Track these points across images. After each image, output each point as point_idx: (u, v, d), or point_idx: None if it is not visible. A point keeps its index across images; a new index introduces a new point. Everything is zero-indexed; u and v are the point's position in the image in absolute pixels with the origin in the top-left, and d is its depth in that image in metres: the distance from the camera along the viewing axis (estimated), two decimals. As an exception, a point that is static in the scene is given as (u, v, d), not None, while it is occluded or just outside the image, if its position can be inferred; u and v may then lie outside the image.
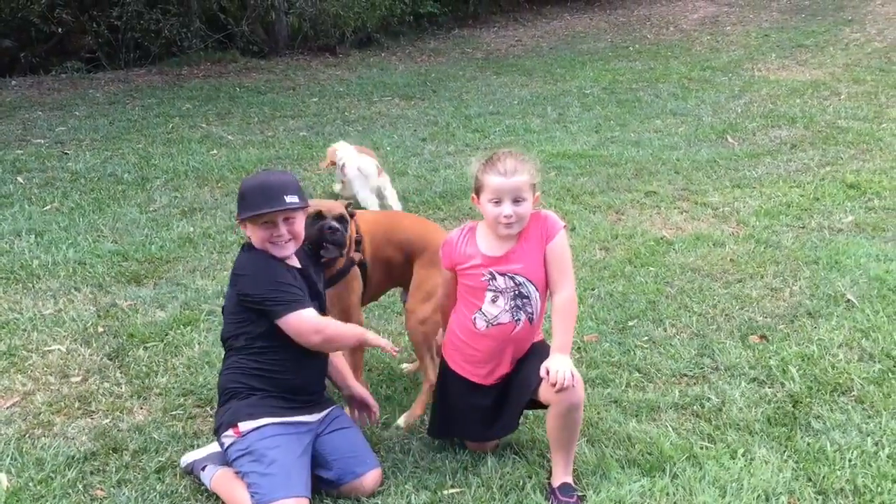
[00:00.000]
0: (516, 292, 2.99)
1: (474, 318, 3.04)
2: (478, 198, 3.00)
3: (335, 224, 3.24)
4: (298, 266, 3.07)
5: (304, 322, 2.91)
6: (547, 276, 3.00)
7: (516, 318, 3.00)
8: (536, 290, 3.00)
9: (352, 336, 3.07)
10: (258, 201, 2.93)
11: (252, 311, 2.94)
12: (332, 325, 3.02)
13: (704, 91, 10.14)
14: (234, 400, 2.99)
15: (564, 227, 3.04)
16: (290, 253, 3.00)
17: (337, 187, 6.32)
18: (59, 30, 13.03)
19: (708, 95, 9.88)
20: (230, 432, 2.95)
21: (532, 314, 3.01)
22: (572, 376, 2.85)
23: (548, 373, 2.86)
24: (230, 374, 3.03)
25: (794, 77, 10.69)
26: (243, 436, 2.92)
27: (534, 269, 2.98)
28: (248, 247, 3.04)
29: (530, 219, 3.00)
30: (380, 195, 5.96)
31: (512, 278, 2.98)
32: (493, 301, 3.00)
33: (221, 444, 3.01)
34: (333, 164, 6.15)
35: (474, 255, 3.01)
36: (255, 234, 2.98)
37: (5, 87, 11.33)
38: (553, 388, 2.85)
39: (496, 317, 3.00)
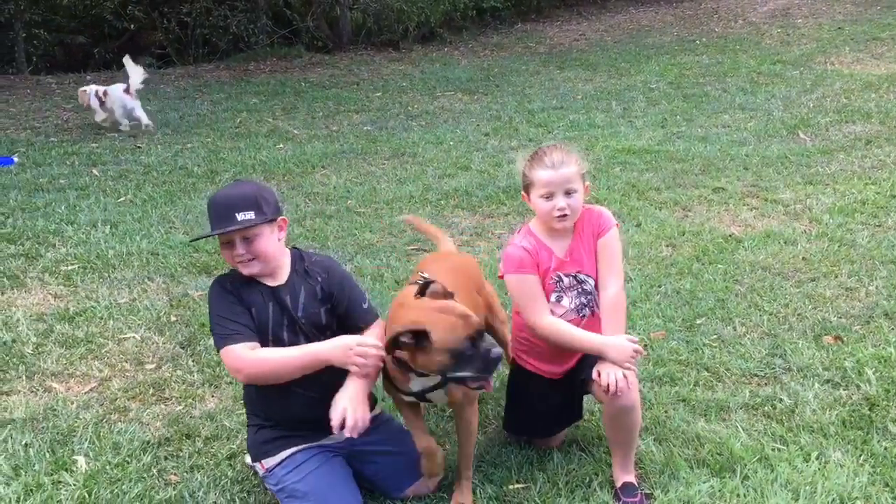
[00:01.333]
0: (580, 290, 2.98)
1: None
2: (528, 195, 2.98)
3: (499, 351, 2.66)
4: (274, 284, 2.82)
5: (229, 359, 2.70)
6: (598, 269, 2.99)
7: (581, 313, 3.00)
8: (595, 284, 3.00)
9: (293, 362, 2.69)
10: (210, 221, 2.77)
11: None
12: (252, 365, 2.68)
13: (774, 85, 9.90)
14: (250, 428, 2.96)
15: (617, 225, 3.03)
16: (257, 272, 2.77)
17: (99, 118, 8.69)
18: (131, 26, 13.42)
19: (778, 90, 9.64)
20: (258, 466, 2.93)
21: (594, 307, 3.00)
22: (625, 378, 2.78)
23: (598, 375, 2.81)
24: (244, 397, 3.01)
25: (869, 71, 10.36)
26: (270, 471, 2.87)
27: (591, 264, 2.99)
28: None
29: (583, 214, 2.99)
30: (130, 116, 8.50)
31: (575, 276, 2.98)
32: (559, 301, 2.99)
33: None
34: (89, 106, 8.59)
35: (549, 259, 2.98)
36: (223, 254, 2.85)
37: (81, 82, 11.65)
38: (604, 393, 2.82)
39: (562, 315, 2.99)
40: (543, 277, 2.97)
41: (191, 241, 2.83)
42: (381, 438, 2.94)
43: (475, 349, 2.61)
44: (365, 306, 2.92)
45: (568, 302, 2.98)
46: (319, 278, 2.87)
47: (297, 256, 2.93)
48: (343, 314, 2.88)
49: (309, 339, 2.78)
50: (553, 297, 2.99)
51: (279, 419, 2.86)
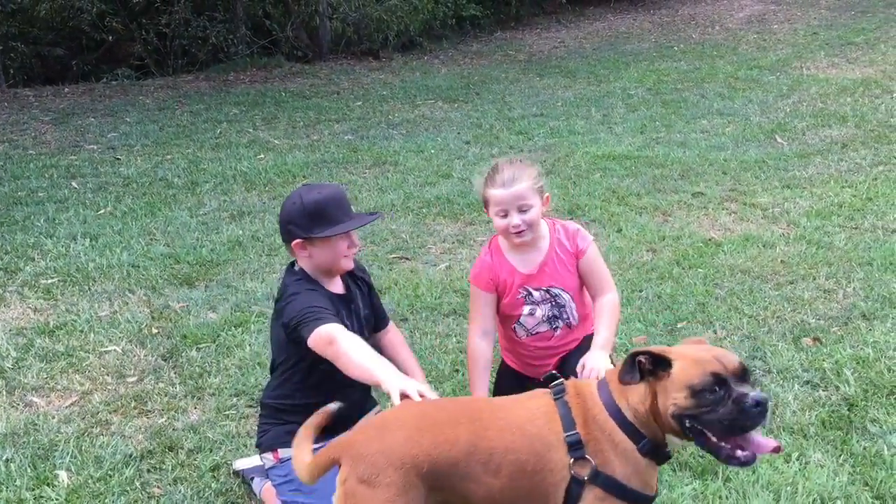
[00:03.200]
0: (552, 303, 3.03)
1: (514, 329, 3.10)
2: (488, 212, 3.03)
3: (763, 396, 2.13)
4: (341, 292, 2.99)
5: (321, 334, 2.65)
6: (585, 286, 3.06)
7: (554, 326, 3.06)
8: (571, 297, 3.04)
9: (363, 370, 2.56)
10: (339, 216, 2.83)
11: (292, 341, 2.82)
12: (346, 343, 2.61)
13: (752, 90, 10.00)
14: (272, 422, 2.94)
15: (593, 240, 3.09)
16: (352, 266, 2.97)
17: None
18: (109, 38, 13.34)
19: (755, 95, 9.74)
20: (270, 456, 2.93)
21: (569, 320, 3.05)
22: None
23: (583, 368, 2.84)
24: (274, 392, 2.98)
25: (845, 75, 10.49)
26: (282, 462, 2.86)
27: (566, 278, 3.02)
28: (296, 272, 2.94)
29: (559, 229, 3.04)
30: None
31: (547, 290, 3.02)
32: (531, 314, 3.05)
33: (263, 464, 2.99)
34: None
35: (511, 275, 3.03)
36: (323, 252, 2.85)
37: (59, 94, 11.62)
38: None
39: (534, 327, 3.06)
40: (508, 292, 3.03)
41: (321, 237, 2.84)
42: None
43: (725, 392, 2.12)
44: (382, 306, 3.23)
45: (541, 314, 3.03)
46: (364, 278, 3.13)
47: None
48: (373, 317, 3.12)
49: (364, 334, 2.95)
50: (526, 310, 3.04)
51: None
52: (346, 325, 2.78)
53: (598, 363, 2.80)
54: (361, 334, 2.84)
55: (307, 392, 2.87)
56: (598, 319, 2.99)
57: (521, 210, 2.91)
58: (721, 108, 9.23)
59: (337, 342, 2.62)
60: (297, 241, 2.86)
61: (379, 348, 2.91)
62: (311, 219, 2.82)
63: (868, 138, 7.60)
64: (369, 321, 3.08)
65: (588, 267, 3.02)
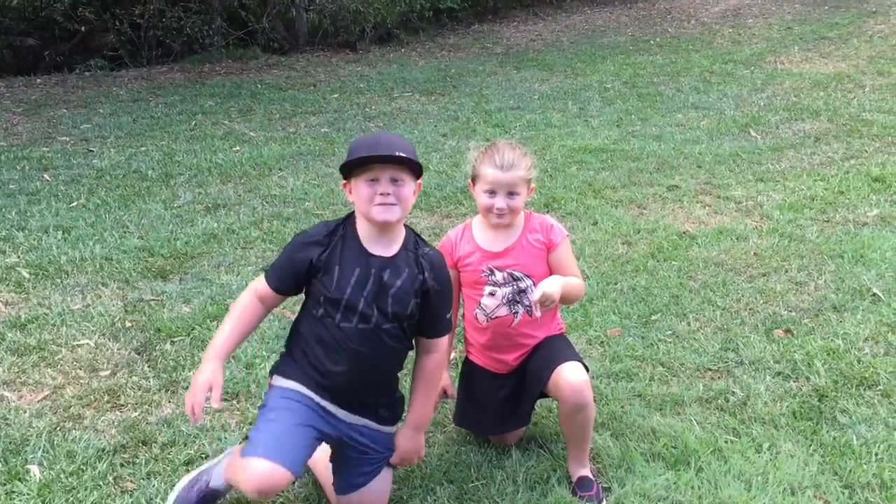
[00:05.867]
0: (514, 287, 3.03)
1: (475, 314, 3.10)
2: (473, 185, 3.04)
3: None
4: (383, 254, 2.70)
5: (251, 285, 2.77)
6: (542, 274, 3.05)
7: (514, 310, 3.05)
8: (533, 283, 3.03)
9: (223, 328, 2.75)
10: (364, 152, 2.62)
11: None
12: (240, 302, 2.75)
13: (726, 84, 10.08)
14: (285, 353, 2.86)
15: (568, 236, 3.11)
16: (395, 218, 2.62)
17: None
18: (82, 28, 13.15)
19: (730, 89, 9.82)
20: (270, 380, 2.85)
21: (529, 307, 3.04)
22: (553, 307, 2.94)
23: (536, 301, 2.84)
24: (295, 325, 2.86)
25: (818, 70, 10.60)
26: (272, 388, 2.80)
27: (532, 265, 3.03)
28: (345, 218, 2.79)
29: (537, 223, 3.07)
30: None
31: (511, 273, 3.03)
32: (491, 294, 3.04)
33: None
34: None
35: (473, 252, 3.06)
36: (358, 195, 2.64)
37: (31, 85, 11.46)
38: (567, 386, 2.88)
39: (494, 310, 3.05)
40: (469, 266, 3.04)
41: (345, 165, 2.63)
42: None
43: None
44: (447, 316, 2.84)
45: (501, 295, 3.04)
46: (426, 272, 2.73)
47: (412, 239, 2.79)
48: (424, 316, 2.77)
49: (385, 318, 2.68)
50: (486, 290, 3.05)
51: (322, 372, 2.72)
52: (351, 286, 2.64)
53: (550, 288, 2.82)
54: (374, 299, 2.65)
55: (305, 330, 2.80)
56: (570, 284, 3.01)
57: (509, 194, 2.94)
58: (696, 101, 9.29)
59: (240, 298, 2.75)
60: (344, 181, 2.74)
61: (419, 367, 2.84)
62: (347, 157, 2.67)
63: (840, 132, 7.69)
64: (404, 307, 2.70)
65: (558, 260, 3.05)
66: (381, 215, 2.61)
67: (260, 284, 2.76)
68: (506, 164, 2.93)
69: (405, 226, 2.79)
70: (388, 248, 2.70)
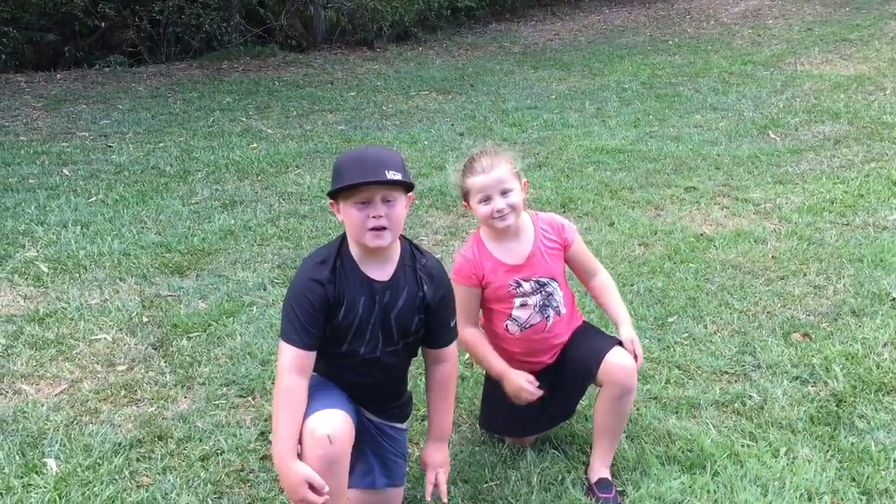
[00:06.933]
0: (543, 293, 3.04)
1: (506, 325, 3.07)
2: (468, 203, 3.02)
3: None
4: (382, 279, 2.63)
5: (282, 356, 2.54)
6: (575, 272, 3.20)
7: (546, 315, 3.05)
8: (558, 285, 3.07)
9: (278, 422, 2.49)
10: (354, 174, 2.48)
11: None
12: (282, 388, 2.50)
13: (745, 86, 10.01)
14: None
15: (576, 230, 3.18)
16: (387, 243, 2.54)
17: None
18: (102, 24, 13.26)
19: (749, 90, 9.75)
20: None
21: (558, 307, 3.06)
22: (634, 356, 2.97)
23: (632, 343, 2.98)
24: None
25: (838, 72, 10.51)
26: None
27: (553, 267, 3.06)
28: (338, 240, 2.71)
29: (547, 224, 3.07)
30: None
31: (537, 281, 3.03)
32: (523, 305, 3.03)
33: None
34: None
35: (496, 269, 3.02)
36: (349, 220, 2.53)
37: (51, 80, 11.55)
38: (620, 370, 2.92)
39: (527, 320, 3.04)
40: (495, 284, 3.02)
41: (333, 191, 2.52)
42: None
43: None
44: (452, 325, 2.78)
45: (532, 304, 3.03)
46: (425, 286, 2.67)
47: (409, 252, 2.70)
48: (430, 328, 2.72)
49: (392, 340, 2.67)
50: (517, 302, 3.03)
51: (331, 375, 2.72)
52: (359, 316, 2.60)
53: (634, 336, 3.01)
54: (381, 325, 2.64)
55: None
56: (606, 300, 3.15)
57: (504, 193, 2.93)
58: (715, 102, 9.24)
59: (280, 383, 2.51)
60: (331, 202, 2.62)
61: (432, 379, 2.80)
62: (334, 178, 2.56)
63: (861, 135, 7.62)
64: (407, 326, 2.67)
65: (576, 255, 3.12)
66: (373, 241, 2.52)
67: (289, 359, 2.53)
68: (486, 167, 2.92)
69: (401, 237, 2.71)
70: (384, 268, 2.64)
